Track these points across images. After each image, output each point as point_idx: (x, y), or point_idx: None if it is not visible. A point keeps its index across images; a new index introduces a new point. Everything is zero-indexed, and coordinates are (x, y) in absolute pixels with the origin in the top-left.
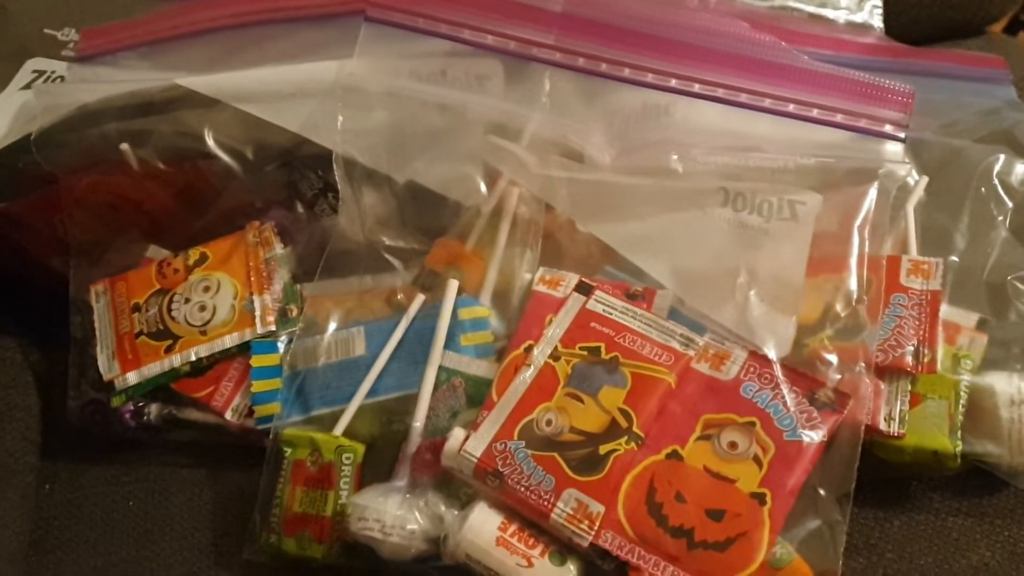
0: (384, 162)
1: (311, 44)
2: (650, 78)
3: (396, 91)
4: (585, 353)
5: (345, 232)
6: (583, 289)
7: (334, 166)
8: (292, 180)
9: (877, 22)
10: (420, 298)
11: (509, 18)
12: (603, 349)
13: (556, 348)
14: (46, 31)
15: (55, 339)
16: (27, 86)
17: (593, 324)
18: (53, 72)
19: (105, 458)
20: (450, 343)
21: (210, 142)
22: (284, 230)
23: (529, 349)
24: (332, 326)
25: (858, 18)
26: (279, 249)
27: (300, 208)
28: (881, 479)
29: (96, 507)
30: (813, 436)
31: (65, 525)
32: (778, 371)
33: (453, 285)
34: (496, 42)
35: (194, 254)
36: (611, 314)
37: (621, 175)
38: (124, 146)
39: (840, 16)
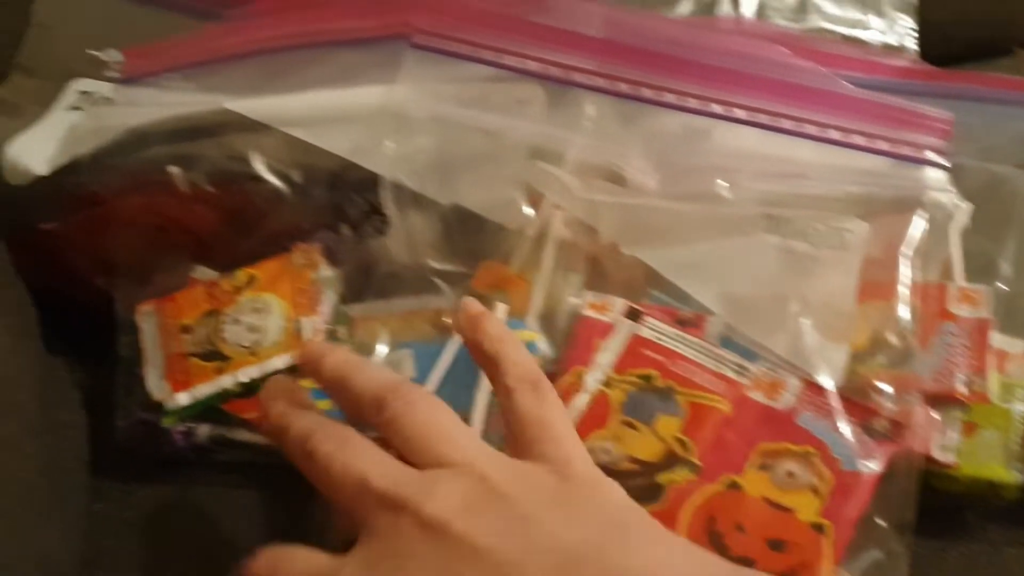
0: (430, 186)
1: (353, 68)
2: (693, 103)
3: (440, 116)
4: (638, 380)
5: (393, 255)
6: (633, 315)
7: (381, 190)
8: (338, 203)
9: (911, 44)
10: None
11: (551, 44)
12: (656, 377)
13: (608, 375)
14: (89, 51)
15: (99, 358)
16: (73, 107)
17: (645, 351)
18: (98, 93)
19: (155, 477)
20: None
21: (258, 165)
22: (330, 252)
23: (580, 375)
24: (381, 348)
25: (891, 40)
26: (326, 271)
27: (346, 230)
28: (935, 508)
29: (147, 527)
30: (871, 466)
31: (116, 545)
32: (833, 400)
33: (502, 309)
34: (539, 68)
35: (243, 276)
36: (662, 341)
37: (667, 200)
38: (174, 169)
39: (874, 38)
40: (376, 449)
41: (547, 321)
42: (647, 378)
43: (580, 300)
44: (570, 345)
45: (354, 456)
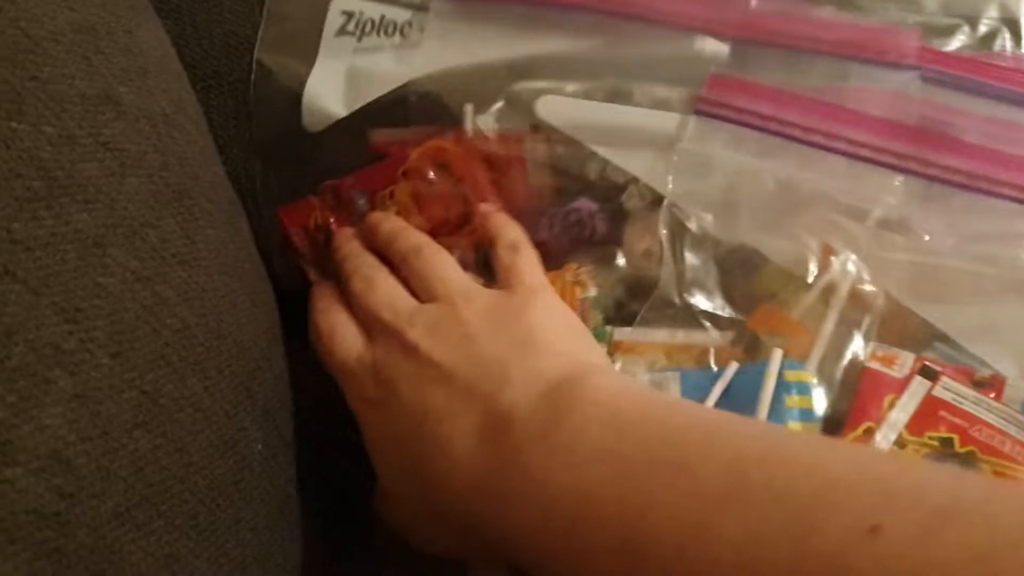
0: (714, 225)
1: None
2: (1007, 191)
3: (735, 157)
4: (936, 444)
5: (664, 287)
6: (928, 373)
7: (659, 225)
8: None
9: None
10: (735, 365)
11: (860, 127)
12: (956, 442)
13: (901, 435)
14: None
15: None
16: (341, 31)
17: (942, 412)
18: (362, 14)
19: None
20: (774, 405)
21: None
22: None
23: (869, 431)
24: (643, 372)
25: None
26: (593, 291)
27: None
28: None
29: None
30: None
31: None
32: None
33: (777, 354)
34: (848, 148)
35: None
36: (961, 404)
37: (964, 260)
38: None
39: None
40: (391, 288)
41: (824, 367)
42: (947, 442)
43: (863, 350)
44: (857, 398)
45: (374, 294)
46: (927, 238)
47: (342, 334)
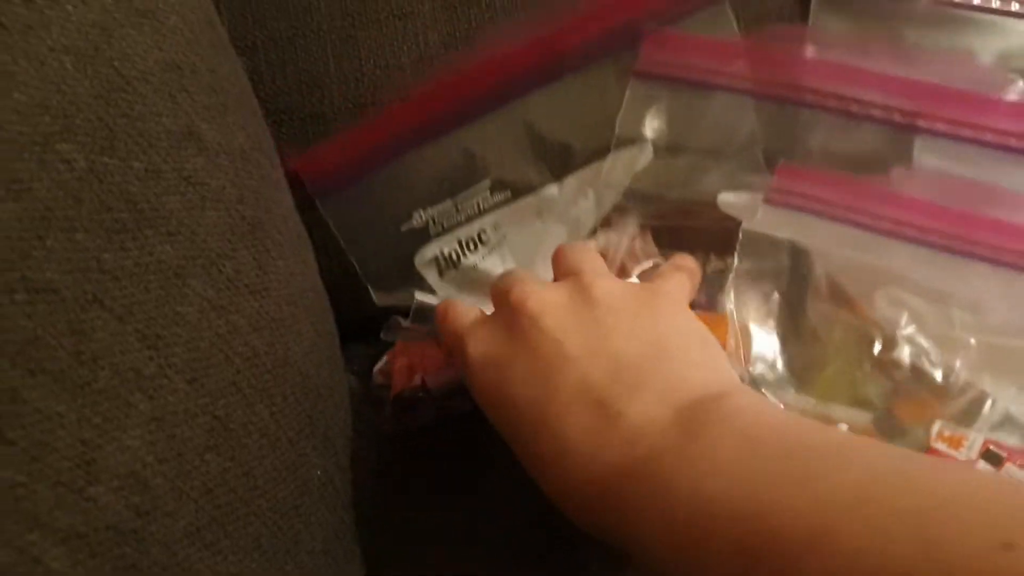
0: (778, 303)
1: None
2: None
3: (802, 240)
4: None
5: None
6: (992, 458)
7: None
8: None
9: None
10: None
11: (928, 214)
12: None
13: None
14: None
15: None
16: (440, 273)
17: None
18: (442, 251)
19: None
20: None
21: None
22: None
23: None
24: None
25: None
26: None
27: None
28: None
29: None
30: None
31: None
32: None
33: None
34: (919, 235)
35: None
36: None
37: None
38: None
39: None
40: (534, 282)
41: None
42: None
43: (927, 430)
44: None
45: (515, 283)
46: (997, 319)
47: (458, 308)
